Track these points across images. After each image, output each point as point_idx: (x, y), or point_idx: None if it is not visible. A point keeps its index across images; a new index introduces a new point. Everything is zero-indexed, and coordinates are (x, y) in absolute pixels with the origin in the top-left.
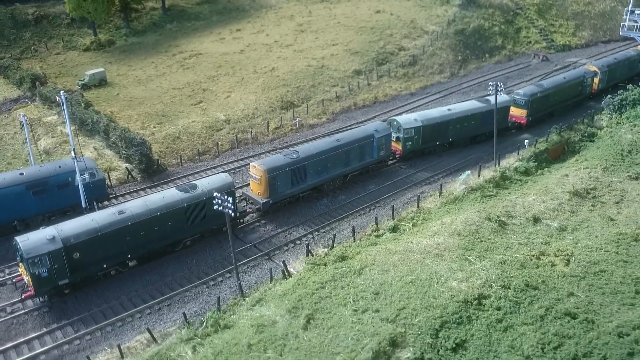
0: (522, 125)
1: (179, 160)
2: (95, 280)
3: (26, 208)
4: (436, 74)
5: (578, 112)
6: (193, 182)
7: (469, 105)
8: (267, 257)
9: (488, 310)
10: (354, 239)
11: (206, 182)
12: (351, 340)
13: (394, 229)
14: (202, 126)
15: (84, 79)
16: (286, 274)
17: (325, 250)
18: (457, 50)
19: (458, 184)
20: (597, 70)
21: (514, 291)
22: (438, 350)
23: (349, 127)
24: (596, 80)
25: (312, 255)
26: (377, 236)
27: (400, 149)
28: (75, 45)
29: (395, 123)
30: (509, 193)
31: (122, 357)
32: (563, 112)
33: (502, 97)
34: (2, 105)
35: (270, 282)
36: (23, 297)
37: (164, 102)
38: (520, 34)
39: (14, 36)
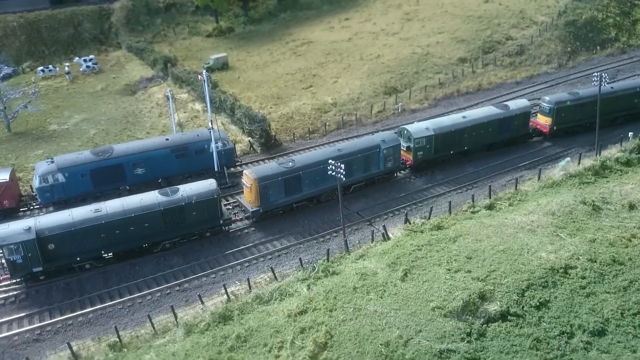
0: (545, 134)
1: (292, 137)
2: (71, 270)
3: (170, 168)
4: (543, 64)
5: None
6: (177, 186)
7: (486, 111)
8: (368, 223)
9: (573, 278)
10: (450, 213)
11: (189, 188)
12: (443, 292)
13: (489, 207)
14: (312, 108)
15: (209, 63)
16: (385, 237)
17: (423, 220)
18: (567, 41)
19: (557, 170)
20: None
21: (600, 264)
22: (523, 307)
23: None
24: None
25: (410, 223)
26: (473, 212)
27: (412, 159)
28: (199, 31)
29: (405, 132)
30: (608, 182)
31: (250, 288)
32: (609, 125)
33: (522, 102)
34: (139, 83)
35: (372, 242)
36: (1, 279)
37: (279, 86)
38: (637, 26)
39: (147, 22)
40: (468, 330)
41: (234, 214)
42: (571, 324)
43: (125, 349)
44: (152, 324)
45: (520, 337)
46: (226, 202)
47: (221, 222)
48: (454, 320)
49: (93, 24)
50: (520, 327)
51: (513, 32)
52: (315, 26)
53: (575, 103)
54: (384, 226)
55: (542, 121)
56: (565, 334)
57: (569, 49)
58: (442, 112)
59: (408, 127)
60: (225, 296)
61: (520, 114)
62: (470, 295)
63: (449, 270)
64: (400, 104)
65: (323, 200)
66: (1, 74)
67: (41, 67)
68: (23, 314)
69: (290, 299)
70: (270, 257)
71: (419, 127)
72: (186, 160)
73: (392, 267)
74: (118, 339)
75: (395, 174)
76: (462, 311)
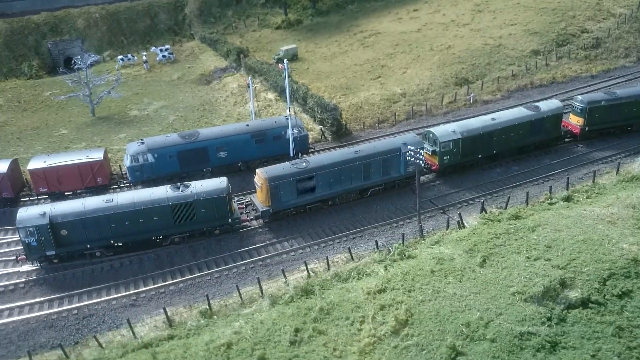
0: (576, 135)
1: (361, 126)
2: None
3: (249, 152)
4: (621, 58)
5: None
6: (188, 182)
7: (516, 113)
8: (442, 211)
9: None
10: (527, 204)
11: (199, 184)
12: (523, 278)
13: (567, 199)
14: (381, 98)
15: (279, 54)
16: (461, 224)
17: (499, 209)
18: None
19: (637, 164)
20: None
21: None
22: (604, 295)
23: (522, 103)
24: None
25: (486, 212)
26: (550, 203)
27: (437, 163)
28: (268, 23)
29: (431, 135)
30: None
31: (329, 267)
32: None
33: (554, 103)
34: (213, 73)
35: (447, 230)
36: (18, 259)
37: (347, 77)
38: None
39: (219, 14)
40: (548, 315)
41: (246, 213)
42: None
43: (215, 316)
44: (240, 294)
45: (602, 325)
46: (240, 201)
47: (230, 220)
48: (534, 305)
49: (168, 15)
50: (602, 315)
51: (589, 24)
52: (383, 17)
53: (610, 103)
54: (459, 214)
55: (574, 121)
56: None
57: None
58: (515, 103)
59: (433, 129)
60: (305, 272)
61: (551, 116)
62: (550, 282)
63: (528, 258)
64: (472, 94)
65: (338, 203)
66: (88, 62)
67: (120, 56)
68: (120, 281)
69: (368, 278)
70: (345, 239)
71: (445, 130)
72: (264, 145)
73: (469, 254)
74: (208, 307)
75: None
76: (543, 297)
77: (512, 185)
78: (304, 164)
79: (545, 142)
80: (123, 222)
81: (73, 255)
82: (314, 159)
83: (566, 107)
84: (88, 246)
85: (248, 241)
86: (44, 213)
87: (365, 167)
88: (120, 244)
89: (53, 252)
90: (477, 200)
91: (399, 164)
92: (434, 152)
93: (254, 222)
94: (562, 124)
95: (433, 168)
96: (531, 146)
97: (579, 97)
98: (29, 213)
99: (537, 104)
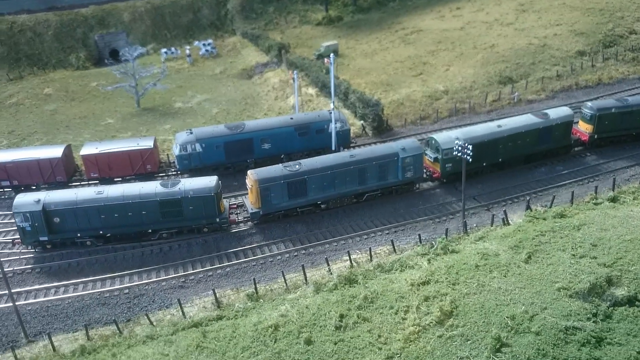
0: (584, 143)
1: (403, 122)
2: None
3: (292, 145)
4: None
5: None
6: (178, 179)
7: (524, 120)
8: (486, 209)
9: None
10: (572, 203)
11: (189, 182)
12: (569, 275)
13: (613, 200)
14: (422, 95)
15: (320, 50)
16: (506, 222)
17: (544, 208)
18: None
19: None
20: None
21: None
22: None
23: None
24: None
25: (532, 210)
26: (596, 203)
27: (439, 171)
28: (308, 20)
29: (433, 142)
30: None
31: (371, 259)
32: None
33: (564, 111)
34: (255, 68)
35: (491, 226)
36: (14, 242)
37: (388, 73)
38: None
39: (261, 10)
40: (594, 311)
41: (236, 214)
42: None
43: (261, 300)
44: (285, 280)
45: None
46: (232, 202)
47: (217, 220)
48: (579, 301)
49: (211, 10)
50: None
51: (637, 25)
52: (425, 15)
53: (621, 111)
54: (504, 211)
55: (583, 128)
56: None
57: None
58: (560, 104)
59: (436, 136)
60: (348, 262)
61: (561, 124)
62: (596, 279)
63: (573, 255)
64: (516, 93)
65: (331, 207)
66: (135, 54)
67: (164, 49)
68: (169, 264)
69: (411, 271)
70: (387, 232)
71: (448, 137)
72: (307, 138)
73: (514, 250)
74: (255, 290)
75: (416, 186)
76: (589, 293)
77: (557, 185)
78: (297, 166)
79: (554, 151)
80: (112, 214)
81: (65, 243)
82: (307, 162)
83: (577, 113)
84: (79, 234)
85: (290, 230)
86: (39, 200)
87: (361, 172)
88: (109, 235)
89: (46, 238)
90: (522, 198)
91: (397, 169)
92: (436, 159)
93: (248, 224)
94: (572, 131)
95: (435, 175)
96: (540, 154)
97: (589, 104)
98: (25, 199)
99: (546, 111)
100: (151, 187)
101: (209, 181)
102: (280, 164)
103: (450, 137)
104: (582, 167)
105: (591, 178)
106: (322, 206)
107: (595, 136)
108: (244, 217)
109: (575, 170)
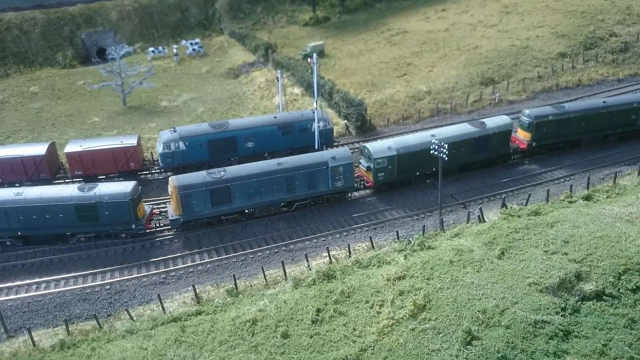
0: (523, 151)
1: (385, 122)
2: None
3: (276, 143)
4: None
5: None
6: (96, 183)
7: (459, 129)
8: (462, 206)
9: None
10: (547, 201)
11: (105, 187)
12: (540, 270)
13: (587, 198)
14: (406, 95)
15: (306, 50)
16: (481, 219)
17: (520, 205)
18: None
19: None
20: None
21: None
22: (619, 289)
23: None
24: None
25: (507, 208)
26: (570, 202)
27: (372, 180)
28: (296, 20)
29: (366, 151)
30: None
31: (350, 254)
32: (599, 142)
33: (502, 120)
34: (242, 68)
35: (467, 223)
36: None
37: (373, 74)
38: None
39: (248, 10)
40: (563, 305)
41: (158, 220)
42: None
43: (240, 295)
44: (265, 276)
45: (614, 317)
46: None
47: (133, 226)
48: (549, 295)
49: (198, 10)
50: (615, 307)
51: (618, 28)
52: (411, 16)
53: (558, 118)
54: (480, 208)
55: (521, 136)
56: None
57: None
58: (541, 104)
59: (368, 145)
60: (327, 258)
61: (498, 133)
62: (566, 274)
63: (545, 251)
64: (497, 94)
65: (258, 216)
66: (122, 53)
67: (152, 48)
68: (150, 260)
69: (388, 266)
70: (367, 229)
71: (381, 146)
72: (291, 137)
73: (488, 246)
74: (235, 286)
75: (348, 195)
76: (558, 288)
77: (533, 184)
78: (222, 173)
79: (492, 160)
80: (30, 215)
81: None
82: (233, 169)
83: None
84: None
85: (272, 227)
86: None
87: (289, 180)
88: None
89: None
90: (498, 196)
91: (327, 178)
92: (368, 168)
93: (168, 231)
94: (511, 139)
95: (368, 185)
96: (476, 164)
97: (526, 111)
98: None
99: (483, 120)
100: (68, 191)
101: (125, 187)
102: (204, 171)
103: (383, 146)
104: (559, 167)
105: (567, 177)
106: (247, 213)
107: (534, 144)
108: (165, 224)
109: (552, 169)
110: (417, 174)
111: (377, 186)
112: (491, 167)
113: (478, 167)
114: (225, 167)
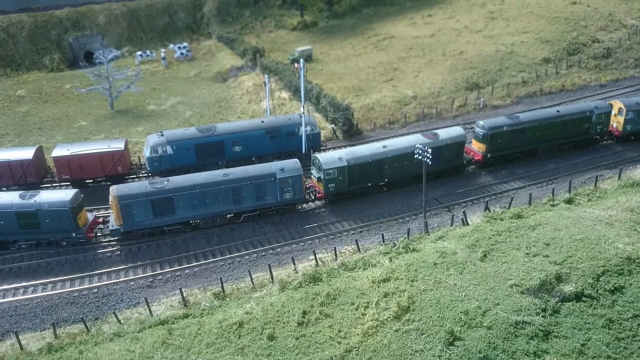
0: (478, 162)
1: (372, 126)
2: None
3: (263, 147)
4: (630, 68)
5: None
6: (37, 191)
7: (411, 140)
8: (447, 209)
9: None
10: (530, 204)
11: (46, 195)
12: (521, 272)
13: (569, 201)
14: (392, 100)
15: (294, 55)
16: (465, 222)
17: (503, 209)
18: None
19: (639, 170)
20: (622, 107)
21: None
22: (597, 290)
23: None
24: (620, 119)
25: (490, 211)
26: (552, 205)
27: (322, 190)
28: (284, 24)
29: (317, 162)
30: None
31: (336, 257)
32: (554, 152)
33: (455, 131)
34: (230, 72)
35: (451, 226)
36: None
37: (360, 78)
38: None
39: (237, 14)
40: (543, 306)
41: (100, 229)
42: None
43: (227, 298)
44: (252, 279)
45: (593, 317)
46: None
47: (74, 235)
48: (530, 296)
49: (187, 14)
50: (594, 308)
51: (600, 34)
52: (398, 22)
53: (513, 128)
54: (464, 212)
55: (476, 147)
56: (638, 317)
57: None
58: (524, 109)
59: (319, 155)
60: (314, 261)
61: (451, 144)
62: (547, 276)
63: (527, 254)
64: (482, 99)
65: (202, 227)
66: (109, 57)
67: (139, 52)
68: (138, 264)
69: (374, 269)
70: (353, 232)
71: (332, 157)
72: (278, 141)
73: (471, 249)
74: (222, 289)
75: (298, 207)
76: (539, 289)
77: (517, 187)
78: (165, 182)
79: (446, 171)
80: None
81: None
82: (176, 180)
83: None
84: None
85: (259, 230)
86: None
87: (235, 191)
88: None
89: None
90: (482, 200)
91: (275, 190)
92: (319, 178)
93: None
94: (466, 150)
95: (319, 195)
96: (430, 175)
97: (481, 123)
98: None
99: (436, 131)
100: (9, 198)
101: (66, 195)
102: (146, 181)
103: (334, 157)
104: (542, 170)
105: (550, 181)
106: (191, 223)
107: (489, 155)
108: (106, 234)
109: (535, 172)
110: (369, 185)
111: (327, 197)
112: (467, 175)
113: (432, 178)
114: (169, 177)
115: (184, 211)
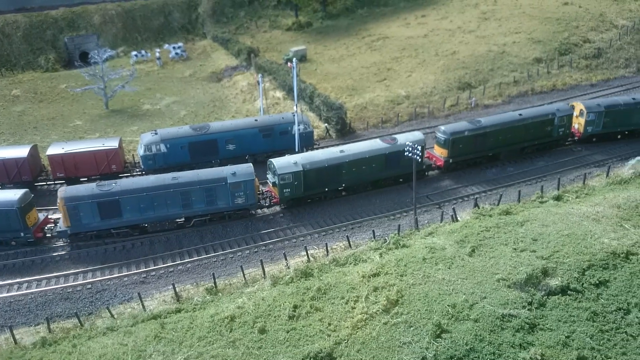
0: (440, 167)
1: (365, 125)
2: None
3: (257, 146)
4: (621, 68)
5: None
6: None
7: (369, 145)
8: (437, 206)
9: (633, 263)
10: (519, 201)
11: None
12: (509, 267)
13: (557, 198)
14: (385, 100)
15: (288, 55)
16: (454, 218)
17: (492, 206)
18: None
19: (627, 168)
20: (583, 109)
21: None
22: (583, 284)
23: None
24: (581, 121)
25: (479, 207)
26: (541, 202)
27: (278, 196)
28: (279, 25)
29: (272, 166)
30: None
31: (328, 253)
32: (518, 156)
33: (414, 136)
34: (224, 72)
35: (441, 223)
36: None
37: (354, 78)
38: None
39: (232, 14)
40: (530, 300)
41: (50, 229)
42: (628, 302)
43: (220, 294)
44: (244, 275)
45: (578, 310)
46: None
47: (22, 234)
48: (517, 290)
49: (182, 14)
50: (579, 302)
51: (591, 34)
52: (392, 22)
53: (474, 133)
54: (453, 208)
55: (438, 153)
56: (622, 310)
57: None
58: (516, 108)
59: (274, 160)
60: (305, 257)
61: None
62: (533, 270)
63: (515, 249)
64: (473, 99)
65: (151, 231)
66: (104, 57)
67: (135, 52)
68: (131, 260)
69: (364, 264)
70: (344, 228)
71: (287, 162)
72: (271, 140)
73: (460, 244)
74: (214, 285)
75: (252, 212)
76: (525, 283)
77: (506, 185)
78: (112, 185)
79: (405, 176)
80: None
81: None
82: (123, 182)
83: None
84: None
85: (252, 227)
86: None
87: (184, 195)
88: None
89: None
90: (472, 197)
91: (227, 195)
92: (274, 183)
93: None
94: (427, 155)
95: (274, 201)
96: (389, 180)
97: (442, 128)
98: None
99: (395, 136)
100: None
101: (14, 194)
102: (94, 183)
103: (289, 161)
104: (531, 168)
105: (539, 178)
106: (140, 226)
107: (451, 160)
108: (53, 234)
109: (524, 170)
110: (326, 189)
111: (282, 202)
112: (468, 168)
113: (391, 184)
114: (116, 180)
115: (131, 214)
